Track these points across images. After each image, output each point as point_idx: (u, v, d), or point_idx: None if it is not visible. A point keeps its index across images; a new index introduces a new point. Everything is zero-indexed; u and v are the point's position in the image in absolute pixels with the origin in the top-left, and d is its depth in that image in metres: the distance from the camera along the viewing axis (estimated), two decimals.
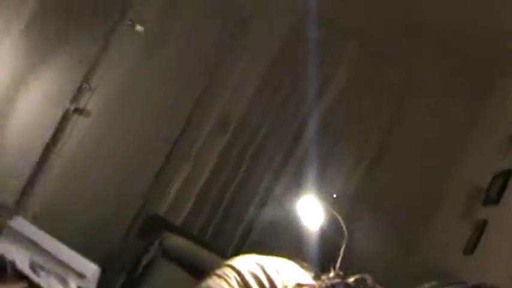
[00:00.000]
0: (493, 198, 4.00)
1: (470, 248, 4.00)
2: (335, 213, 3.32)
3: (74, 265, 3.37)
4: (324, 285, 2.67)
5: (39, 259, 3.25)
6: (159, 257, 3.34)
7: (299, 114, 4.96)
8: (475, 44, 4.92)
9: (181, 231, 4.10)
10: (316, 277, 2.82)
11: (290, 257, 2.91)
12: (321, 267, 3.17)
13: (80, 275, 3.29)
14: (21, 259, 3.06)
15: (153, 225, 4.29)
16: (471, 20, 4.60)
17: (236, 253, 4.11)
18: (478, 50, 4.98)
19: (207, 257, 3.41)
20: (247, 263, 2.79)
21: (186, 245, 3.47)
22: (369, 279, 2.64)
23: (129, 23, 4.82)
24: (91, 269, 3.35)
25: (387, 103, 5.07)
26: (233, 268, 2.77)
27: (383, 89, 5.09)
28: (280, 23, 5.08)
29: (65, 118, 4.85)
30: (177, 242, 3.44)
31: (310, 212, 3.41)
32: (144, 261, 3.35)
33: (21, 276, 2.93)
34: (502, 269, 3.44)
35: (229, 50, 5.16)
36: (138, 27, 4.90)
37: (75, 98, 4.88)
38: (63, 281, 3.17)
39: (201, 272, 3.09)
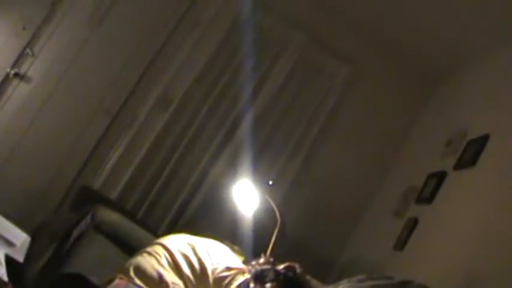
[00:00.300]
0: (426, 198, 4.07)
1: (401, 244, 4.07)
2: (269, 199, 3.33)
3: (3, 233, 3.31)
4: (253, 270, 2.69)
5: None
6: (91, 230, 3.31)
7: (240, 100, 4.94)
8: (418, 50, 5.01)
9: (115, 206, 4.05)
10: (246, 262, 2.84)
11: (221, 239, 2.92)
12: (253, 251, 3.19)
13: (9, 243, 3.24)
14: None
15: (87, 198, 4.23)
16: (417, 26, 4.67)
17: (168, 232, 4.12)
18: (420, 56, 5.08)
19: (139, 234, 3.39)
20: (178, 242, 2.78)
21: (118, 220, 3.44)
22: (298, 268, 2.66)
23: None
24: (21, 238, 3.30)
25: (329, 95, 5.09)
26: (164, 247, 2.77)
27: (326, 81, 5.11)
28: (228, 8, 5.05)
29: (4, 82, 4.75)
30: (109, 216, 3.41)
31: (245, 196, 3.42)
32: (75, 234, 3.30)
33: None
34: (430, 266, 3.51)
35: (177, 28, 5.11)
36: None
37: (16, 63, 4.79)
38: None
39: (133, 248, 3.08)
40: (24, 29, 4.84)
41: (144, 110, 4.94)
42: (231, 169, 4.72)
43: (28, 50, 4.85)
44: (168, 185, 4.84)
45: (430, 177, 4.20)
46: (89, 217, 3.34)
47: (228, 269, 2.69)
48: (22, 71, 4.86)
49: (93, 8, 4.92)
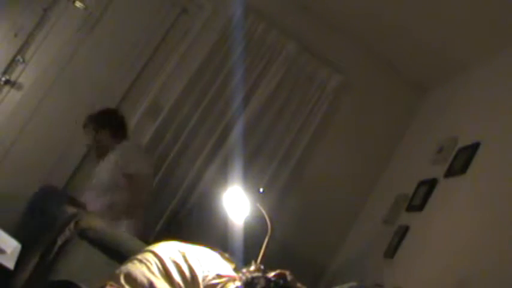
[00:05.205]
0: (416, 205, 4.08)
1: (391, 252, 4.07)
2: (260, 207, 3.33)
3: None
4: (244, 277, 2.68)
5: None
6: (75, 237, 3.29)
7: (231, 107, 4.94)
8: (409, 58, 5.04)
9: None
10: (237, 269, 2.82)
11: (212, 247, 2.91)
12: (243, 259, 3.18)
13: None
14: None
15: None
16: (407, 35, 4.70)
17: (159, 239, 4.10)
18: (411, 64, 5.12)
19: (125, 240, 3.37)
20: (169, 249, 2.77)
21: (102, 227, 3.42)
22: (289, 275, 2.65)
23: None
24: (11, 245, 3.28)
25: (320, 103, 5.10)
26: (155, 254, 2.75)
27: (317, 89, 5.12)
28: (219, 16, 5.06)
29: None
30: (93, 223, 3.39)
31: (236, 203, 3.41)
32: (59, 241, 3.29)
33: None
34: (421, 274, 3.52)
35: (168, 36, 5.12)
36: (78, 4, 4.83)
37: (7, 70, 4.78)
38: None
39: (120, 254, 3.06)
40: (15, 35, 4.84)
41: (135, 117, 4.94)
42: (222, 176, 4.72)
43: (19, 57, 4.85)
44: (159, 192, 4.82)
45: (420, 185, 4.22)
46: (72, 224, 3.33)
47: (219, 276, 2.67)
48: (13, 78, 4.85)
49: (85, 15, 4.92)
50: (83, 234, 3.26)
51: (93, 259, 3.10)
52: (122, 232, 3.53)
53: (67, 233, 3.27)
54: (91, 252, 3.20)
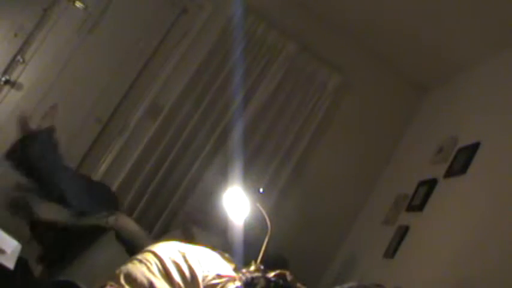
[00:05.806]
0: (416, 205, 4.08)
1: (391, 252, 4.07)
2: (260, 207, 3.33)
3: None
4: (243, 278, 2.68)
5: None
6: (112, 234, 3.34)
7: (231, 107, 4.94)
8: (409, 58, 5.04)
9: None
10: (237, 269, 2.82)
11: (212, 247, 2.91)
12: (243, 259, 3.18)
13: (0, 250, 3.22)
14: None
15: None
16: (408, 35, 4.69)
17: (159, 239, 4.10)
18: (411, 65, 5.12)
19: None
20: (169, 250, 2.77)
21: (137, 230, 3.47)
22: (289, 275, 2.65)
23: None
24: (11, 245, 3.28)
25: (320, 104, 5.10)
26: (155, 254, 2.75)
27: (317, 90, 5.12)
28: (219, 16, 5.06)
29: None
30: (129, 224, 3.44)
31: (236, 203, 3.41)
32: (94, 234, 3.33)
33: None
34: (421, 274, 3.51)
35: (168, 36, 5.11)
36: (78, 4, 4.83)
37: (7, 70, 4.78)
38: None
39: None
40: (15, 35, 4.84)
41: (135, 118, 4.94)
42: (222, 176, 4.71)
43: (19, 57, 4.85)
44: (159, 193, 4.83)
45: (420, 185, 4.21)
46: (112, 219, 3.38)
47: (219, 276, 2.68)
48: (13, 78, 4.85)
49: (84, 15, 4.92)
50: (119, 233, 3.31)
51: (119, 259, 3.11)
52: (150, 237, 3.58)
53: (105, 226, 3.33)
54: (119, 253, 3.24)
